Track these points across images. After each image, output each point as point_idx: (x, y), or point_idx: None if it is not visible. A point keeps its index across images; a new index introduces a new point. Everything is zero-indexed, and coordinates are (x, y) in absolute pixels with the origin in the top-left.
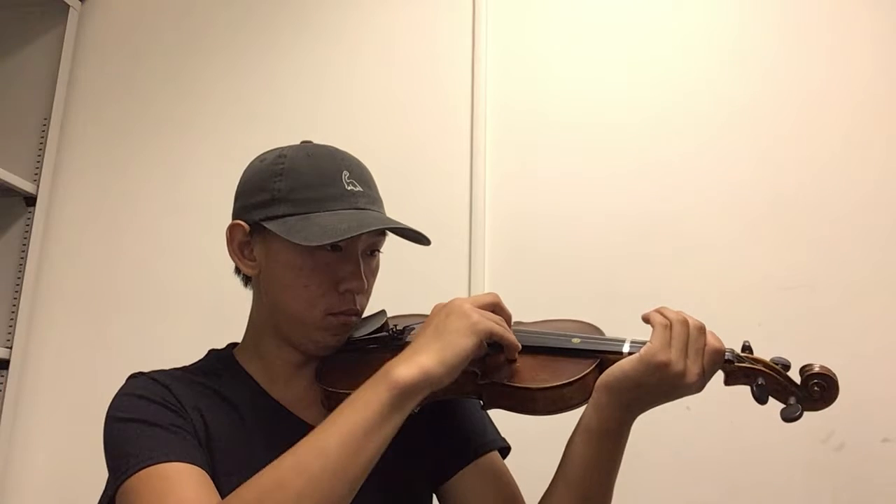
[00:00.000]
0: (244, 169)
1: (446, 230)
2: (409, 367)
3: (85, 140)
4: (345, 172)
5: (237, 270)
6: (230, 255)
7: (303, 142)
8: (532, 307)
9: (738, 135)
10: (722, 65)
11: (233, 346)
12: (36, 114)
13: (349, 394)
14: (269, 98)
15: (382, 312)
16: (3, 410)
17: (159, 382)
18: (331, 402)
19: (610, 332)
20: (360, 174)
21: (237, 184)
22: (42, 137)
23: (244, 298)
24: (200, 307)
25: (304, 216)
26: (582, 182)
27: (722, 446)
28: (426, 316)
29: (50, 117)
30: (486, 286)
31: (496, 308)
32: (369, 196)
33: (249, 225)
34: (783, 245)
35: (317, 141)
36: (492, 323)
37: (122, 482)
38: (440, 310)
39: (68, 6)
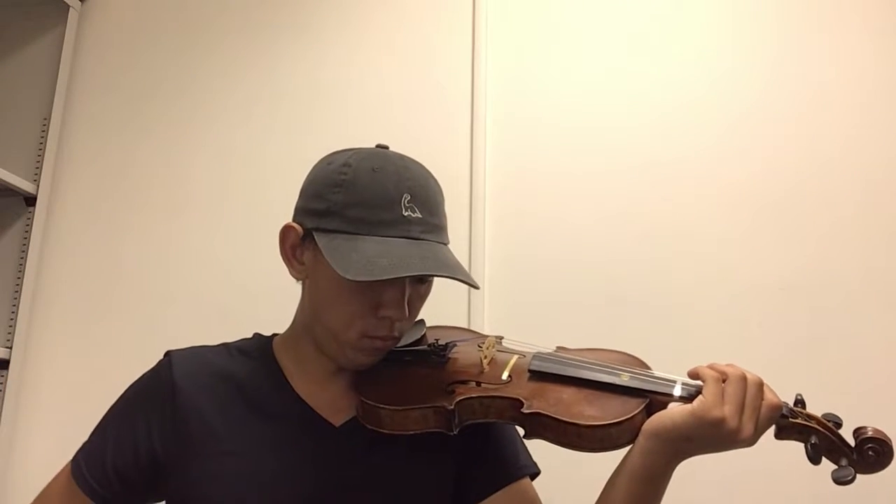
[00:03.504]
0: (313, 164)
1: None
2: None
3: (85, 140)
4: (406, 196)
5: None
6: (281, 255)
7: (378, 145)
8: (531, 308)
9: (738, 136)
10: (722, 66)
11: (275, 335)
12: (36, 114)
13: (384, 408)
14: (269, 98)
15: (422, 322)
16: (3, 410)
17: (171, 371)
18: (365, 413)
19: (613, 334)
20: (425, 197)
21: (303, 179)
22: (42, 137)
23: (244, 298)
24: (201, 307)
25: (352, 237)
26: (582, 183)
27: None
28: (463, 329)
29: (50, 117)
30: (486, 288)
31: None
32: (428, 224)
33: (303, 230)
34: (783, 245)
35: (316, 140)
36: None
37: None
38: None
39: (68, 6)
